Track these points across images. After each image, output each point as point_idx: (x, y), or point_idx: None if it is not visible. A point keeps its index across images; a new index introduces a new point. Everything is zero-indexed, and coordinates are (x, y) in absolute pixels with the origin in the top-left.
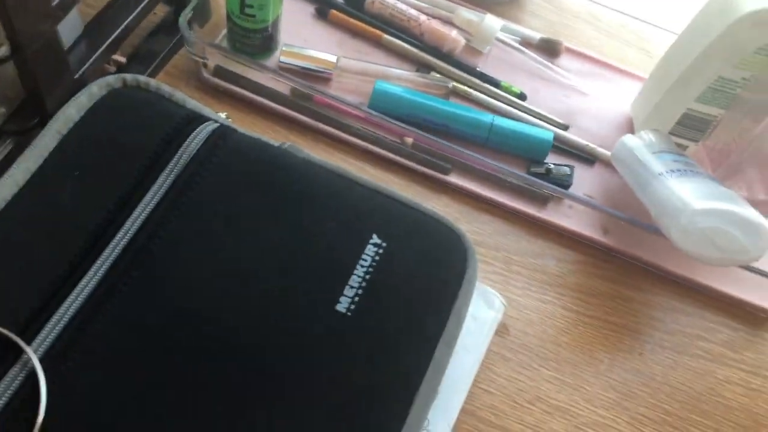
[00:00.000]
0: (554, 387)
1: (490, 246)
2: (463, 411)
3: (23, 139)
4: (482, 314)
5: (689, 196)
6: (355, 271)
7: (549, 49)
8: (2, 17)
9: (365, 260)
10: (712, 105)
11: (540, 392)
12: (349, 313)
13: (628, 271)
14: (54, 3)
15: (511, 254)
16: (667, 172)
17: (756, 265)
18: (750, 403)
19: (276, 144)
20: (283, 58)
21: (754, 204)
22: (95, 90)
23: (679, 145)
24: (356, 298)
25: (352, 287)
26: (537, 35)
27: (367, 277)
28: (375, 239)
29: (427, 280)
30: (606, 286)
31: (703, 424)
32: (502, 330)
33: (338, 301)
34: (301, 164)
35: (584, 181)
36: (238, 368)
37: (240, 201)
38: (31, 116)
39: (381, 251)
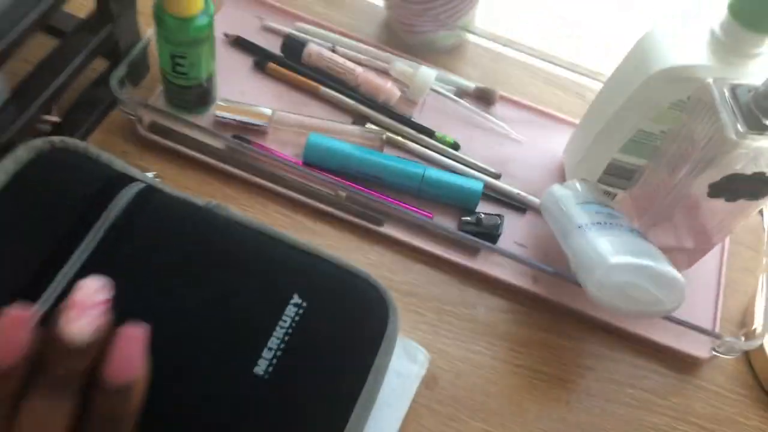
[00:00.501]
0: None
1: (422, 296)
2: None
3: None
4: (405, 369)
5: (605, 250)
6: (275, 333)
7: (484, 97)
8: None
9: (285, 321)
10: (634, 155)
11: None
12: (266, 376)
13: (557, 319)
14: None
15: (442, 304)
16: (587, 225)
17: (679, 315)
18: None
19: (201, 203)
20: (218, 112)
21: (682, 251)
22: (22, 154)
23: (607, 193)
24: (274, 360)
25: (270, 349)
26: (472, 84)
27: (286, 338)
28: (296, 299)
29: (347, 339)
30: (536, 334)
31: None
32: (430, 382)
33: (257, 364)
34: (224, 224)
35: (515, 228)
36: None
37: (161, 262)
38: None
39: (301, 311)
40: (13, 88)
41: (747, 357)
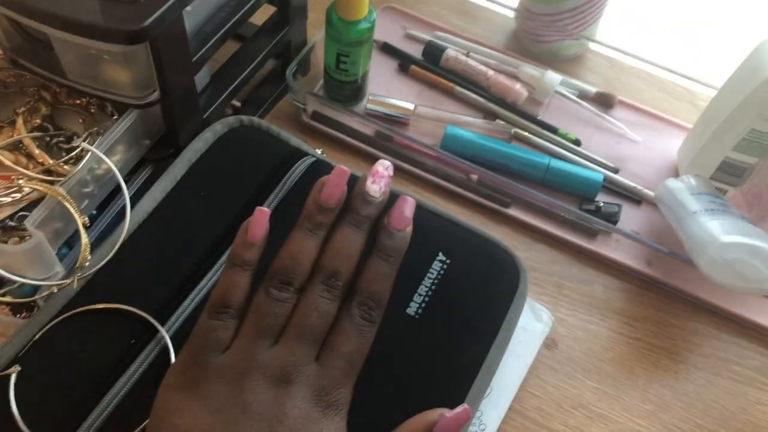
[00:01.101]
0: (596, 396)
1: (544, 272)
2: (513, 410)
3: (160, 166)
4: (532, 326)
5: (717, 232)
6: (423, 282)
7: (604, 101)
8: (158, 71)
9: (432, 273)
10: (747, 154)
11: (583, 400)
12: (417, 316)
13: (668, 300)
14: (194, 59)
15: (562, 279)
16: (700, 211)
17: None
18: None
19: (361, 175)
20: (369, 106)
21: None
22: (218, 128)
23: (719, 190)
24: (423, 304)
25: (420, 295)
26: (593, 89)
27: (433, 287)
28: (441, 257)
29: (484, 293)
30: (647, 311)
31: None
32: (551, 344)
33: (409, 306)
34: None
35: (631, 218)
36: None
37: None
38: (168, 147)
39: (445, 266)
40: (212, 77)
41: None
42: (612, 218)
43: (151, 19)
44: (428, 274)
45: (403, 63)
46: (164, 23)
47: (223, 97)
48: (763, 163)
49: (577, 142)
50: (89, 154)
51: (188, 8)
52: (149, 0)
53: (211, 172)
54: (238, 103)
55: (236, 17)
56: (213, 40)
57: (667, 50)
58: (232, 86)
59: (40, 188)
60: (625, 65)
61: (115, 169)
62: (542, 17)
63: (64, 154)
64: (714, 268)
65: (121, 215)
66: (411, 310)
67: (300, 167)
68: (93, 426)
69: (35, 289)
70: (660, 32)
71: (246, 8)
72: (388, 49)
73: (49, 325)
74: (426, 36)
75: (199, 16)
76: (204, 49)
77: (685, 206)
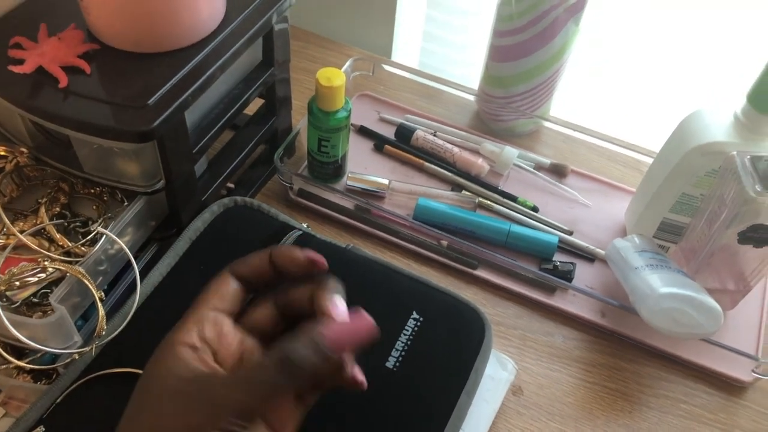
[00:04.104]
0: None
1: (509, 325)
2: None
3: (165, 244)
4: (498, 375)
5: (656, 284)
6: (400, 338)
7: (558, 171)
8: (163, 163)
9: (407, 330)
10: (682, 214)
11: None
12: (395, 369)
13: (621, 347)
14: (194, 151)
15: (526, 332)
16: (642, 267)
17: (727, 342)
18: None
19: (343, 245)
20: (349, 182)
21: (725, 293)
22: (215, 208)
23: (662, 247)
24: (400, 358)
25: (397, 350)
26: (548, 161)
27: (409, 342)
28: (415, 315)
29: (453, 347)
30: (603, 358)
31: None
32: (517, 391)
33: (387, 360)
34: (361, 260)
35: (586, 274)
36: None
37: None
38: (171, 227)
39: (419, 324)
40: (209, 164)
41: None
42: (568, 276)
43: (158, 121)
44: (404, 331)
45: (378, 143)
46: (169, 123)
47: (219, 181)
48: (695, 222)
49: (535, 209)
50: (104, 237)
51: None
52: (156, 104)
53: (210, 247)
54: (231, 185)
55: (230, 112)
56: (211, 133)
57: (615, 121)
58: (227, 171)
59: (63, 268)
60: (577, 138)
61: (127, 249)
62: (498, 99)
63: (80, 237)
64: (654, 316)
65: (131, 288)
66: (390, 363)
67: (288, 240)
68: None
69: (54, 358)
70: (609, 104)
71: (239, 104)
72: (364, 132)
73: (70, 389)
74: (397, 119)
75: (198, 112)
76: (203, 142)
77: (629, 263)
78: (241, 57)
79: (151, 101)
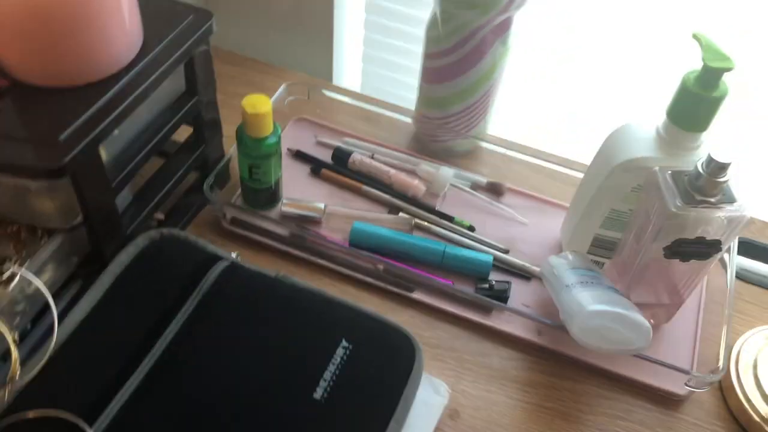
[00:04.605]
0: None
1: (446, 348)
2: None
3: (88, 280)
4: (431, 399)
5: (586, 301)
6: (328, 368)
7: (494, 190)
8: (79, 199)
9: (336, 359)
10: (613, 230)
11: None
12: (323, 400)
13: (559, 365)
14: (113, 184)
15: (463, 354)
16: (573, 284)
17: (663, 355)
18: None
19: (272, 274)
20: (284, 208)
21: (660, 307)
22: (140, 241)
23: (596, 262)
24: (328, 388)
25: (325, 380)
26: (484, 179)
27: (337, 372)
28: (344, 343)
29: (382, 373)
30: (540, 377)
31: None
32: (454, 414)
33: (315, 390)
34: (290, 288)
35: (522, 293)
36: None
37: (242, 319)
38: (94, 263)
39: (348, 351)
40: (134, 195)
41: (723, 395)
42: (503, 295)
43: (68, 157)
44: (332, 360)
45: (315, 167)
46: (82, 158)
47: (145, 212)
48: (626, 237)
49: (471, 228)
50: (18, 277)
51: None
52: (67, 139)
53: (135, 282)
54: (161, 216)
55: (152, 143)
56: (132, 165)
57: (553, 138)
58: (153, 202)
59: None
60: (514, 156)
61: (44, 288)
62: (434, 120)
63: None
64: (583, 333)
65: (53, 327)
66: (317, 394)
67: (215, 272)
68: None
69: None
70: (545, 121)
71: (161, 134)
72: (300, 156)
73: None
74: (335, 142)
75: (119, 144)
76: (123, 174)
77: (561, 280)
78: (163, 86)
79: (62, 137)
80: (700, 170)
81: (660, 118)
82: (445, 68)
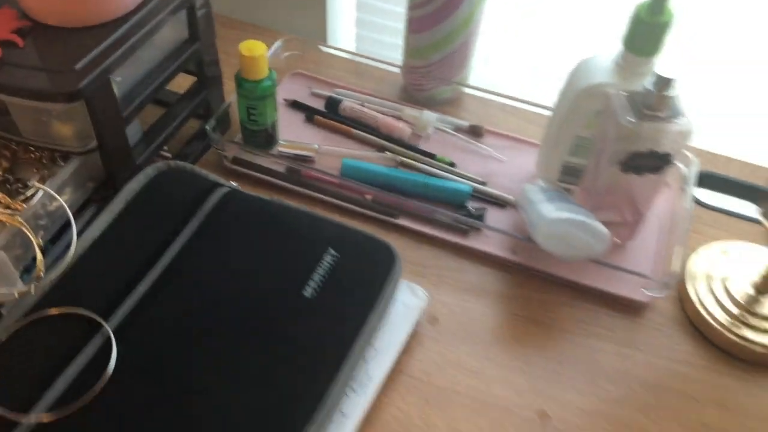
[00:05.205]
0: (471, 358)
1: (428, 266)
2: (401, 372)
3: (102, 204)
4: (410, 301)
5: (548, 211)
6: (317, 270)
7: (475, 132)
8: (94, 124)
9: (324, 264)
10: (579, 157)
11: (460, 361)
12: (311, 297)
13: (530, 279)
14: (124, 115)
15: (442, 271)
16: (541, 200)
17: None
18: (620, 365)
19: (268, 198)
20: (281, 148)
21: (625, 225)
22: (149, 171)
23: (567, 190)
24: (317, 288)
25: (314, 280)
26: (466, 123)
27: (326, 275)
28: (331, 251)
29: (364, 276)
30: (514, 290)
31: (582, 377)
32: (433, 320)
33: (305, 289)
34: (284, 208)
35: (498, 219)
36: (242, 329)
37: (239, 235)
38: (108, 189)
39: (335, 259)
40: (144, 133)
41: (681, 304)
42: (481, 218)
43: (84, 82)
44: (321, 265)
45: (309, 115)
46: (94, 86)
47: (154, 146)
48: (590, 161)
49: (452, 164)
50: (41, 191)
51: (118, 78)
52: (82, 68)
53: (145, 205)
54: (169, 155)
55: (158, 81)
56: (140, 99)
57: (527, 84)
58: (161, 137)
59: (2, 218)
60: (494, 102)
61: (62, 201)
62: (419, 69)
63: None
64: (547, 240)
65: (71, 243)
66: (307, 292)
67: (216, 195)
68: (55, 394)
69: None
70: (521, 69)
71: (166, 74)
72: (296, 105)
73: (13, 330)
74: (328, 93)
75: (127, 84)
76: (131, 107)
77: (530, 199)
78: (167, 33)
79: (78, 66)
80: (649, 87)
81: (618, 47)
82: (426, 17)
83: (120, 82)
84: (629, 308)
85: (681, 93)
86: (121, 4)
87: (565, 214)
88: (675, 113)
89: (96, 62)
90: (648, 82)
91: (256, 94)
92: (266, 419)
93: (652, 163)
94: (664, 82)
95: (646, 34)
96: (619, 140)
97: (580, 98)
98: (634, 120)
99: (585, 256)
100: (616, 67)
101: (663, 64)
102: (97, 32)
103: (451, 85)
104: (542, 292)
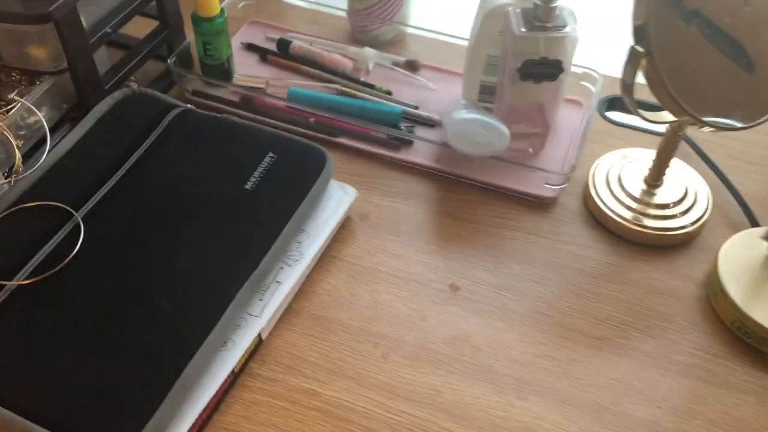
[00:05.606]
0: (395, 245)
1: (363, 176)
2: (334, 257)
3: (75, 123)
4: (340, 197)
5: (457, 114)
6: (258, 169)
7: (411, 66)
8: (64, 47)
9: (264, 164)
10: (491, 75)
11: (385, 248)
12: (251, 189)
13: (451, 183)
14: (90, 41)
15: (374, 179)
16: (458, 111)
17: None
18: (525, 249)
19: (219, 115)
20: (236, 81)
21: (537, 136)
22: (116, 95)
23: (487, 108)
24: (256, 182)
25: (254, 176)
26: (403, 58)
27: (265, 172)
28: (270, 154)
29: (299, 172)
30: (436, 192)
31: (491, 259)
32: (363, 217)
33: (246, 183)
34: (231, 122)
35: (426, 136)
36: (191, 215)
37: (193, 142)
38: (80, 109)
39: (273, 160)
40: (112, 64)
41: (584, 202)
42: (410, 135)
43: (53, 6)
44: (261, 164)
45: (262, 55)
46: (63, 9)
47: (121, 74)
48: (500, 78)
49: (389, 93)
50: (19, 104)
51: (89, 8)
52: None
53: (111, 123)
54: (135, 84)
55: (122, 15)
56: (103, 31)
57: (462, 20)
58: (128, 67)
59: None
60: (432, 40)
61: (40, 115)
62: (361, 12)
63: (4, 114)
64: (456, 139)
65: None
66: (247, 186)
67: (173, 113)
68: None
69: None
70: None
71: (129, 9)
72: (251, 48)
73: None
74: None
75: (95, 15)
76: (97, 36)
77: (449, 113)
78: None
79: None
80: (537, 2)
81: None
82: None
83: (89, 12)
84: (538, 205)
85: (566, 4)
86: None
87: (469, 115)
88: (561, 23)
89: None
90: None
91: (210, 30)
92: (211, 280)
93: (546, 70)
94: None
95: None
96: (515, 52)
97: (487, 19)
98: (525, 30)
99: (489, 151)
100: None
101: None
102: None
103: (390, 25)
104: (462, 193)
